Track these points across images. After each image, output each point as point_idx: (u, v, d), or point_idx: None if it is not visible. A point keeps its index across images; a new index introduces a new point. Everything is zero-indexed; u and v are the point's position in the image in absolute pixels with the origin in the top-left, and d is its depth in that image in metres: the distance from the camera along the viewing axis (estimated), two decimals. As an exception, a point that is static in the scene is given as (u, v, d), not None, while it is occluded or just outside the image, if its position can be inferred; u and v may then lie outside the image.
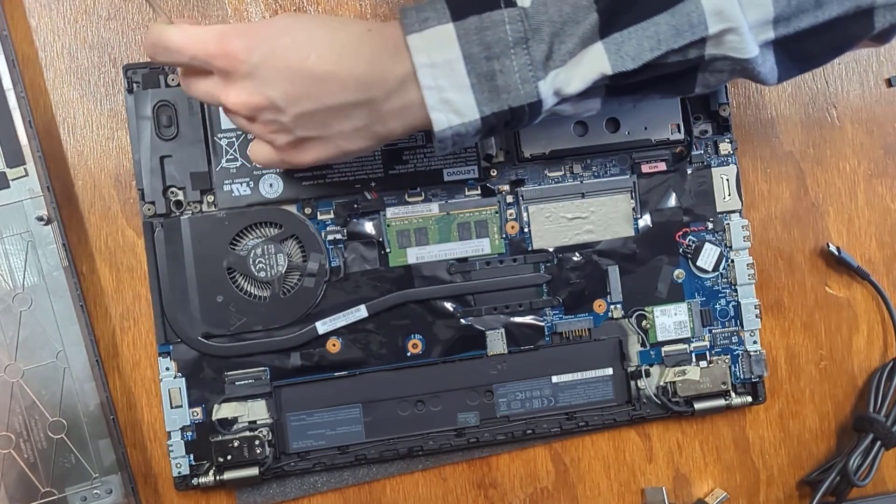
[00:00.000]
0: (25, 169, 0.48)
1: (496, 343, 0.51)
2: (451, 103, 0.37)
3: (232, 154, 0.49)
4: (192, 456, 0.49)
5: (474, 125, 0.37)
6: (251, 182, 0.50)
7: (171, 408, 0.49)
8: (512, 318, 0.51)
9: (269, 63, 0.37)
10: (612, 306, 0.52)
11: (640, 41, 0.37)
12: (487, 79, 0.37)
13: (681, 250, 0.53)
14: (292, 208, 0.50)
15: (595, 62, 0.37)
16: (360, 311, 0.50)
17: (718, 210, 0.53)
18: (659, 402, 0.52)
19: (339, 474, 0.51)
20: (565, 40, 0.37)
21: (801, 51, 0.39)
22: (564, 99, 0.38)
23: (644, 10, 0.37)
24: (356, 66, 0.37)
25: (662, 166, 0.52)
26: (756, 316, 0.53)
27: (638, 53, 0.37)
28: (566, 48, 0.37)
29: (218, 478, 0.49)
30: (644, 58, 0.37)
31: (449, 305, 0.51)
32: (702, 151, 0.53)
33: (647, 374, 0.52)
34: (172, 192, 0.49)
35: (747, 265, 0.53)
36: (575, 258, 0.52)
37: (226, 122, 0.49)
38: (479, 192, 0.51)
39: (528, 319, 0.52)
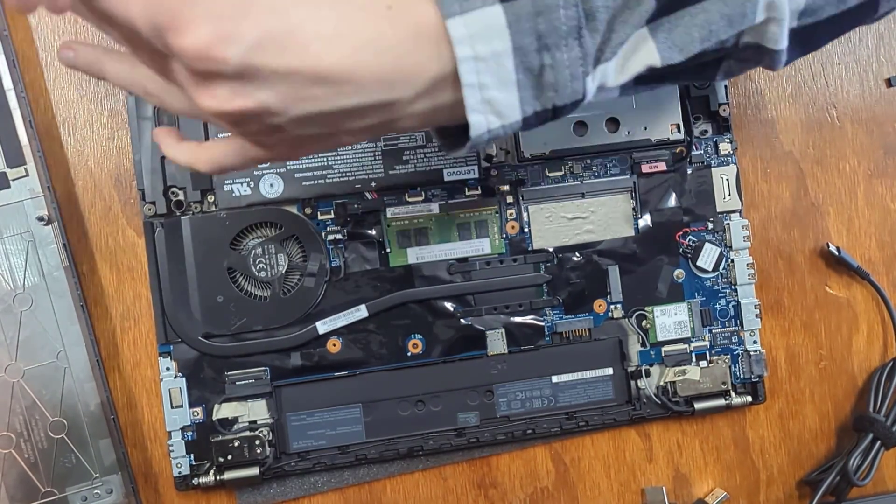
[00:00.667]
0: (26, 169, 0.48)
1: (496, 343, 0.51)
2: (494, 104, 0.31)
3: (232, 154, 0.49)
4: (192, 456, 0.49)
5: (513, 127, 0.32)
6: (251, 182, 0.50)
7: (172, 408, 0.49)
8: (512, 318, 0.51)
9: (258, 58, 0.27)
10: (612, 306, 0.52)
11: (689, 29, 0.33)
12: (535, 75, 0.31)
13: (681, 250, 0.53)
14: (293, 208, 0.50)
15: (644, 54, 0.33)
16: (361, 311, 0.50)
17: (718, 210, 0.53)
18: (659, 402, 0.52)
19: (339, 474, 0.51)
20: (618, 28, 0.32)
21: (811, 38, 0.38)
22: (601, 91, 0.34)
23: None
24: (377, 61, 0.29)
25: (662, 166, 0.52)
26: (756, 316, 0.53)
27: (686, 44, 0.33)
28: (618, 38, 0.32)
29: (218, 478, 0.49)
30: (693, 49, 0.33)
31: (449, 305, 0.51)
32: (702, 151, 0.53)
33: (647, 374, 0.52)
34: (173, 192, 0.49)
35: (747, 265, 0.53)
36: (575, 258, 0.52)
37: (226, 122, 0.49)
38: (479, 192, 0.51)
39: (528, 319, 0.52)
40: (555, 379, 0.52)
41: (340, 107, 0.29)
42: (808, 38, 0.37)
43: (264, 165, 0.50)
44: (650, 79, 0.35)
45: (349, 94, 0.29)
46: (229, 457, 0.49)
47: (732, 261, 0.53)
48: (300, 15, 0.28)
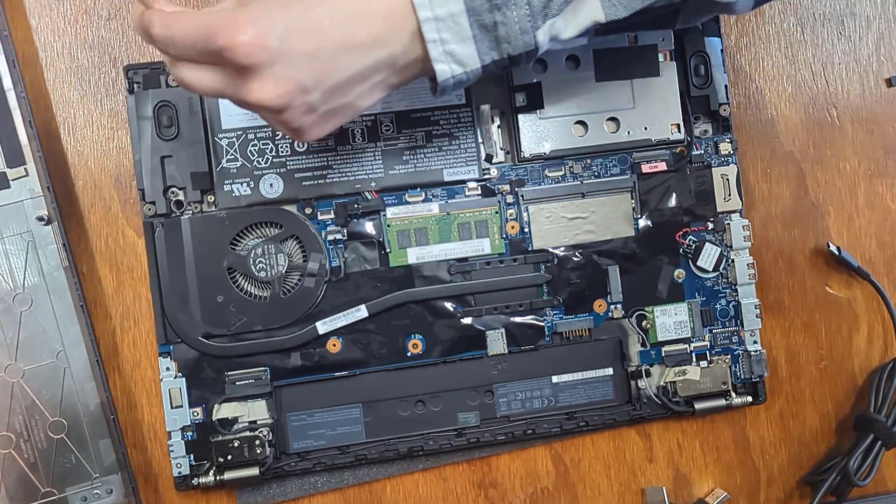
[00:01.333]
0: (26, 169, 0.48)
1: (496, 343, 0.51)
2: (455, 55, 0.37)
3: (232, 154, 0.49)
4: (192, 456, 0.49)
5: (475, 73, 0.38)
6: (251, 182, 0.50)
7: (172, 408, 0.49)
8: (512, 318, 0.51)
9: (290, 44, 0.34)
10: (612, 306, 0.52)
11: None
12: (489, 30, 0.37)
13: (681, 250, 0.53)
14: (292, 208, 0.50)
15: (589, 12, 0.38)
16: (361, 311, 0.50)
17: (718, 210, 0.53)
18: (659, 402, 0.52)
19: (339, 474, 0.51)
20: None
21: None
22: (557, 41, 0.39)
23: None
24: (372, 25, 0.36)
25: (662, 166, 0.52)
26: (756, 316, 0.53)
27: (629, 1, 0.38)
28: None
29: (218, 478, 0.49)
30: (635, 6, 0.39)
31: (449, 305, 0.51)
32: (702, 151, 0.53)
33: (648, 374, 0.52)
34: (173, 192, 0.49)
35: (747, 265, 0.53)
36: (575, 258, 0.52)
37: (226, 122, 0.49)
38: (479, 192, 0.51)
39: (528, 319, 0.52)
40: (555, 379, 0.52)
41: (357, 70, 0.36)
42: None
43: (264, 165, 0.50)
44: (611, 30, 0.40)
45: (360, 56, 0.36)
46: (229, 457, 0.49)
47: (732, 261, 0.53)
48: (310, 4, 0.35)
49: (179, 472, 0.49)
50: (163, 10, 0.35)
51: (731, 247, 0.53)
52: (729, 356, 0.53)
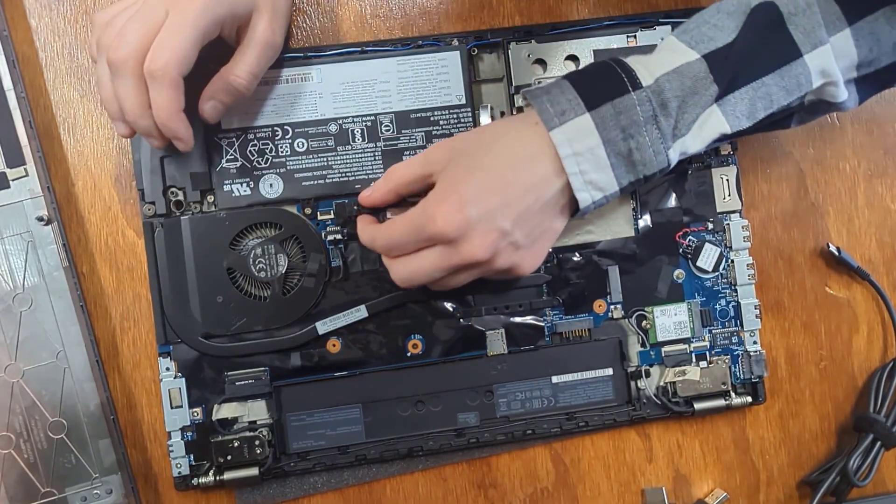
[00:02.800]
0: (25, 169, 0.48)
1: (496, 343, 0.51)
2: (595, 183, 0.42)
3: (232, 154, 0.49)
4: (192, 456, 0.49)
5: (613, 195, 0.43)
6: (251, 182, 0.50)
7: (172, 408, 0.49)
8: (512, 319, 0.51)
9: (484, 203, 0.40)
10: (612, 306, 0.52)
11: (753, 102, 0.42)
12: (625, 156, 0.41)
13: (681, 250, 0.53)
14: (292, 208, 0.50)
15: (715, 125, 0.42)
16: (361, 311, 0.50)
17: (718, 210, 0.53)
18: (659, 403, 0.52)
19: (339, 474, 0.51)
20: (688, 110, 0.41)
21: (879, 80, 0.45)
22: (686, 154, 0.43)
23: (753, 72, 0.42)
24: (543, 162, 0.41)
25: (662, 166, 0.52)
26: (756, 316, 0.53)
27: (751, 112, 0.42)
28: (689, 117, 0.42)
29: (218, 478, 0.49)
30: (757, 116, 0.42)
31: (449, 305, 0.51)
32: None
33: (647, 375, 0.52)
34: (173, 193, 0.49)
35: (747, 265, 0.53)
36: (575, 258, 0.52)
37: (226, 122, 0.49)
38: (479, 192, 0.51)
39: (528, 319, 0.52)
40: (555, 379, 0.52)
41: (543, 201, 0.42)
42: (876, 80, 0.45)
43: (263, 165, 0.50)
44: (732, 136, 0.43)
45: (543, 189, 0.42)
46: (229, 457, 0.49)
47: (732, 261, 0.53)
48: (488, 161, 0.41)
49: (179, 473, 0.49)
50: (383, 222, 0.44)
51: (730, 247, 0.53)
52: (729, 356, 0.53)
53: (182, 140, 0.43)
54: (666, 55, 0.43)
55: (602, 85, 0.41)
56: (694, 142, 0.42)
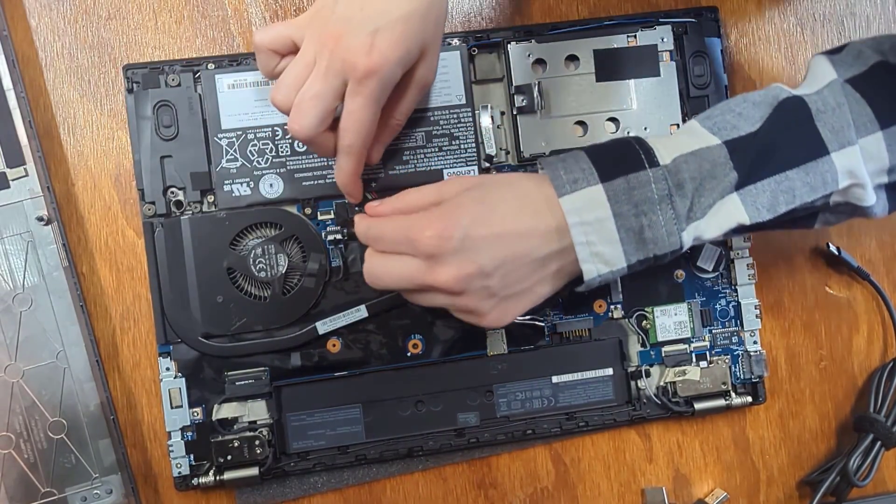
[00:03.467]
0: (25, 169, 0.48)
1: (496, 343, 0.51)
2: (601, 256, 0.41)
3: (232, 154, 0.49)
4: (192, 456, 0.49)
5: (620, 271, 0.41)
6: (251, 182, 0.50)
7: (172, 408, 0.49)
8: (512, 319, 0.51)
9: (474, 233, 0.39)
10: (612, 306, 0.52)
11: (775, 195, 0.41)
12: (636, 233, 0.40)
13: (681, 250, 0.53)
14: (292, 208, 0.50)
15: (733, 214, 0.41)
16: (361, 311, 0.50)
17: (718, 210, 0.53)
18: (659, 403, 0.52)
19: (339, 474, 0.51)
20: (705, 194, 0.40)
21: None
22: (701, 240, 0.42)
23: (777, 165, 0.41)
24: (547, 219, 0.40)
25: (662, 166, 0.52)
26: (756, 316, 0.53)
27: (773, 206, 0.41)
28: (706, 202, 0.41)
29: (218, 478, 0.49)
30: (779, 210, 0.41)
31: (449, 305, 0.51)
32: (702, 151, 0.53)
33: (648, 375, 0.52)
34: (172, 192, 0.49)
35: (747, 265, 0.53)
36: (575, 258, 0.52)
37: (226, 123, 0.49)
38: (479, 192, 0.51)
39: (528, 319, 0.52)
40: (555, 379, 0.52)
41: (535, 257, 0.40)
42: None
43: (264, 165, 0.50)
44: (752, 229, 0.42)
45: (538, 244, 0.40)
46: (229, 457, 0.49)
47: (732, 261, 0.53)
48: (491, 199, 0.41)
49: (179, 473, 0.49)
50: (375, 216, 0.43)
51: (730, 247, 0.53)
52: (729, 356, 0.53)
53: (353, 198, 0.46)
54: (686, 138, 0.42)
55: (618, 159, 0.41)
56: (709, 227, 0.41)
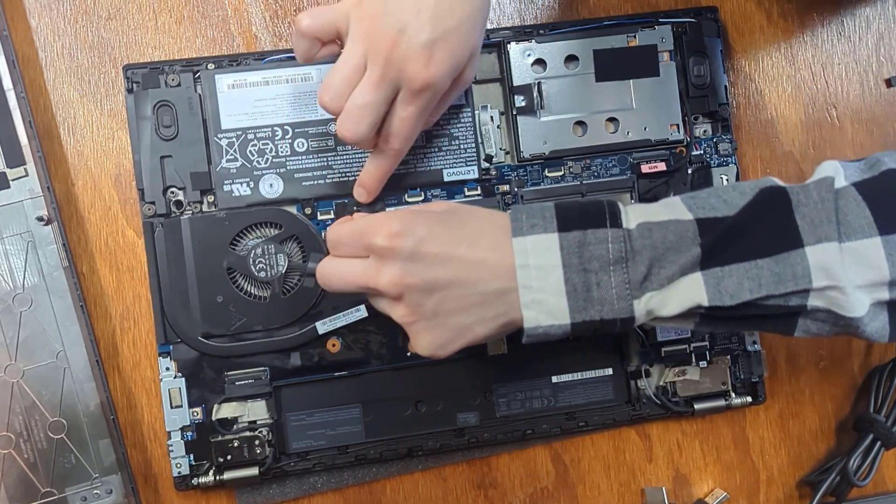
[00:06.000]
0: (25, 169, 0.48)
1: (496, 343, 0.51)
2: (544, 304, 0.39)
3: (232, 154, 0.49)
4: (192, 456, 0.49)
5: (563, 328, 0.39)
6: (251, 182, 0.50)
7: (171, 408, 0.49)
8: (512, 318, 0.51)
9: (425, 248, 0.39)
10: (612, 306, 0.52)
11: (741, 280, 0.38)
12: (583, 289, 0.39)
13: (681, 250, 0.53)
14: (292, 208, 0.50)
15: (692, 292, 0.38)
16: (360, 311, 0.50)
17: (718, 210, 0.53)
18: (659, 402, 0.52)
19: (339, 474, 0.51)
20: (665, 266, 0.39)
21: None
22: (658, 318, 0.40)
23: (747, 251, 0.38)
24: (504, 255, 0.39)
25: (662, 166, 0.52)
26: (756, 316, 0.53)
27: (737, 291, 0.38)
28: (665, 273, 0.38)
29: (218, 478, 0.49)
30: (742, 297, 0.38)
31: (449, 305, 0.51)
32: (702, 151, 0.53)
33: (647, 374, 0.52)
34: (172, 192, 0.49)
35: (747, 265, 0.53)
36: (575, 258, 0.52)
37: (226, 123, 0.49)
38: (479, 192, 0.51)
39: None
40: (554, 379, 0.52)
41: (481, 291, 0.39)
42: None
43: (263, 165, 0.50)
44: (719, 320, 0.40)
45: (487, 279, 0.39)
46: (229, 457, 0.49)
47: (732, 261, 0.53)
48: (454, 222, 0.40)
49: (179, 472, 0.49)
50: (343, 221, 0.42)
51: (730, 247, 0.53)
52: (728, 356, 0.53)
53: (366, 197, 0.48)
54: (661, 209, 0.40)
55: (583, 215, 0.40)
56: (666, 303, 0.39)
